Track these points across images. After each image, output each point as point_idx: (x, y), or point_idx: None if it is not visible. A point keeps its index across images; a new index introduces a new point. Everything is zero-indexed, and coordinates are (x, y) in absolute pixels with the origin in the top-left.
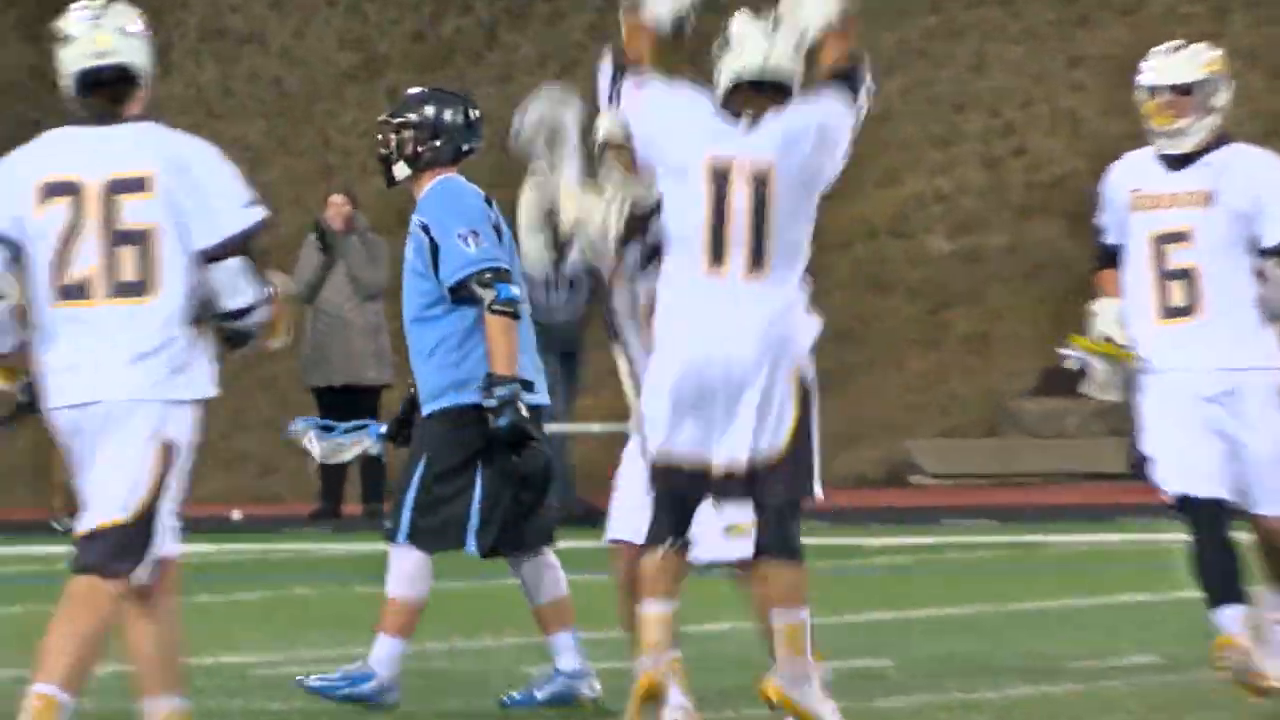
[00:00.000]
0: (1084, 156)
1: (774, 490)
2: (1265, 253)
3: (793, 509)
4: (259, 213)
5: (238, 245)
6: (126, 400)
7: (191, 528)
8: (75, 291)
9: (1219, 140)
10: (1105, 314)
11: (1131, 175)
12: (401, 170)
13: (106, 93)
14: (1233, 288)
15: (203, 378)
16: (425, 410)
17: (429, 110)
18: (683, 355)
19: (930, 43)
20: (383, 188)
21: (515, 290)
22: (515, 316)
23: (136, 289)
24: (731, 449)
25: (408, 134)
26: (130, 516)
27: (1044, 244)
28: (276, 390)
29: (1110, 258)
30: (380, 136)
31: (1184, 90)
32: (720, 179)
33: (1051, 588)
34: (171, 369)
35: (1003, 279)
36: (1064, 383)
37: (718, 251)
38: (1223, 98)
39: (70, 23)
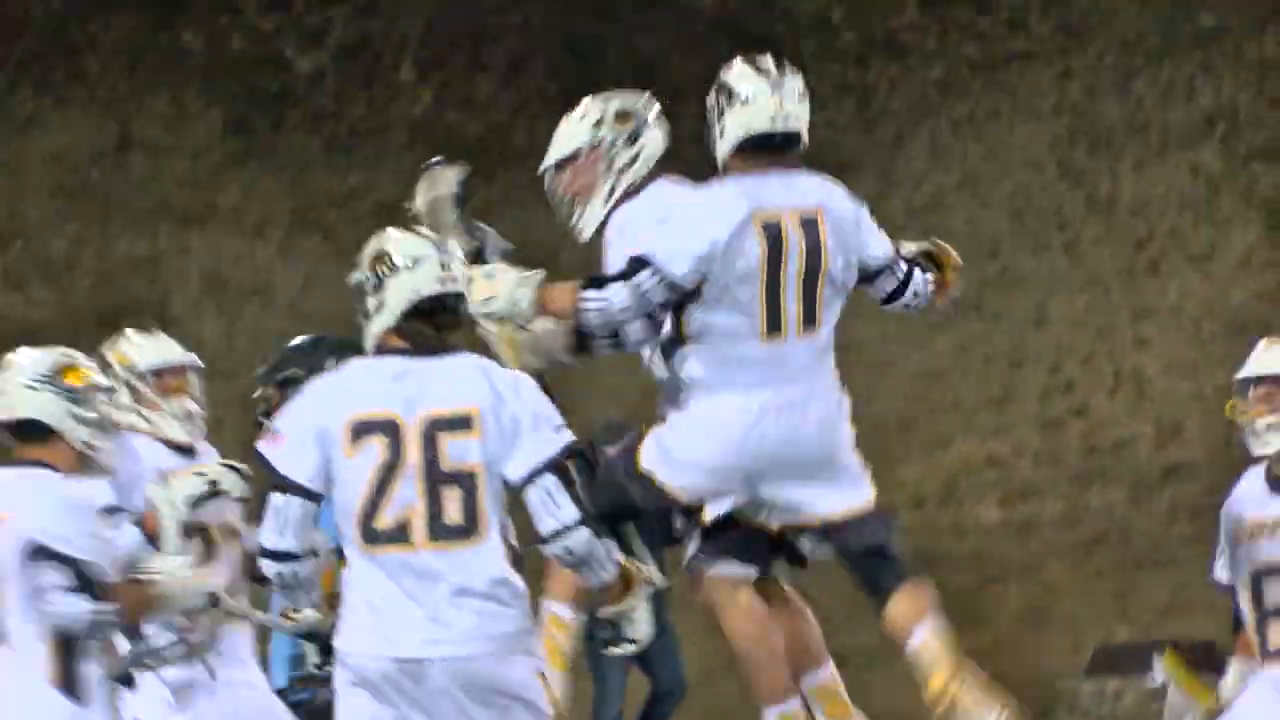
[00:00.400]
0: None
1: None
2: None
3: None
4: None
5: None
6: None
7: None
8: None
9: None
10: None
11: (1237, 502)
12: None
13: (434, 321)
14: None
15: None
16: None
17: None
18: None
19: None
20: None
21: None
22: None
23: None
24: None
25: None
26: None
27: (1102, 512)
28: None
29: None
30: (261, 394)
31: None
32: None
33: None
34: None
35: (1058, 552)
36: (1120, 661)
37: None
38: None
39: (416, 247)
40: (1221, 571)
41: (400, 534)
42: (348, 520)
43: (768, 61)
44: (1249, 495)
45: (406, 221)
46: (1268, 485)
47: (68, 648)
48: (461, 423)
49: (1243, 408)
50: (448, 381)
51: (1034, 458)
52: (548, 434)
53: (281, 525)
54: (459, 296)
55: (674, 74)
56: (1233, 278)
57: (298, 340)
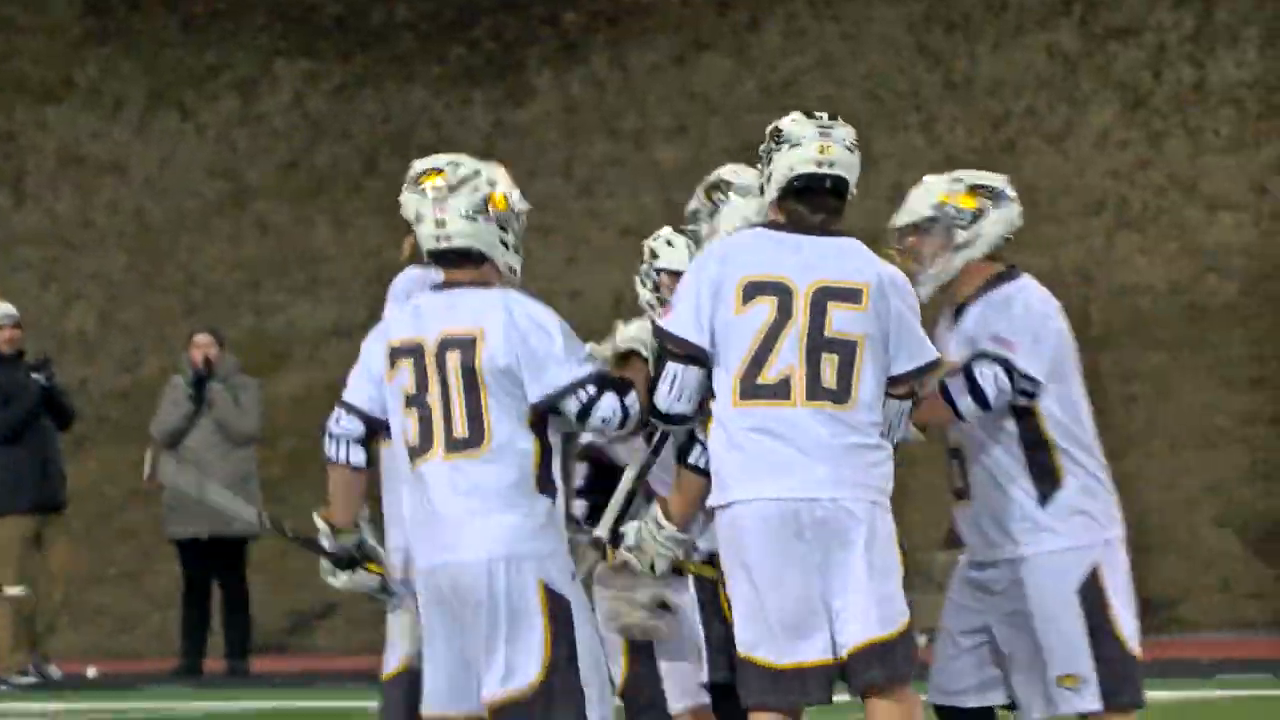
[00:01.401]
0: None
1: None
2: None
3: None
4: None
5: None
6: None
7: (44, 686)
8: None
9: None
10: None
11: None
12: None
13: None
14: None
15: None
16: None
17: None
18: None
19: None
20: (253, 325)
21: None
22: None
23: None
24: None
25: None
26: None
27: None
28: (137, 542)
29: None
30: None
31: None
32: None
33: None
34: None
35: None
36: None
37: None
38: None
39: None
40: None
41: (781, 390)
42: (728, 375)
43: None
44: None
45: (261, 100)
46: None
47: (547, 453)
48: (851, 295)
49: (898, 261)
50: (841, 258)
51: None
52: (920, 337)
53: (679, 391)
54: (836, 178)
55: None
56: (1089, 157)
57: None
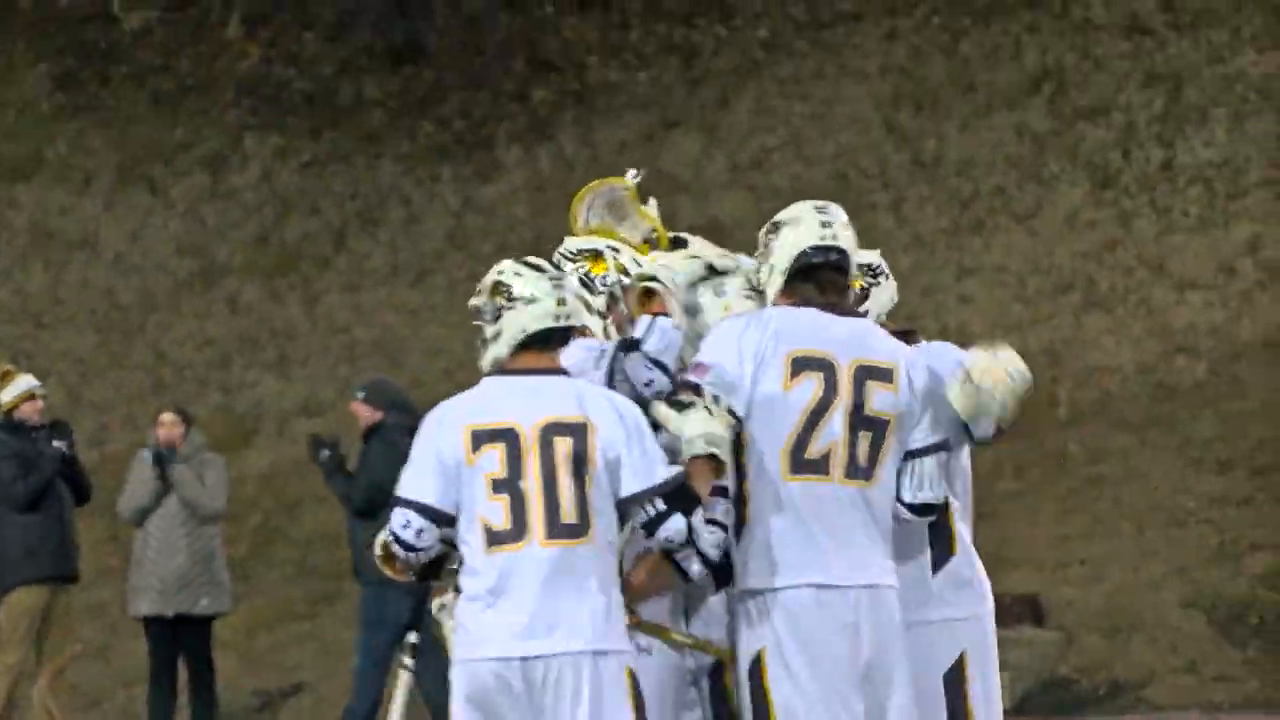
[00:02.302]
0: None
1: None
2: None
3: None
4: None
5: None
6: None
7: None
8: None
9: None
10: None
11: None
12: None
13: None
14: None
15: None
16: None
17: None
18: None
19: None
20: (221, 402)
21: None
22: None
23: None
24: None
25: None
26: None
27: None
28: (105, 618)
29: None
30: None
31: None
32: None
33: None
34: None
35: None
36: None
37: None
38: None
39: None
40: None
41: (822, 465)
42: (772, 449)
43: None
44: None
45: (230, 176)
46: None
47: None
48: (885, 374)
49: None
50: (872, 338)
51: None
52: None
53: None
54: (840, 253)
55: (501, 31)
56: (1058, 236)
57: None
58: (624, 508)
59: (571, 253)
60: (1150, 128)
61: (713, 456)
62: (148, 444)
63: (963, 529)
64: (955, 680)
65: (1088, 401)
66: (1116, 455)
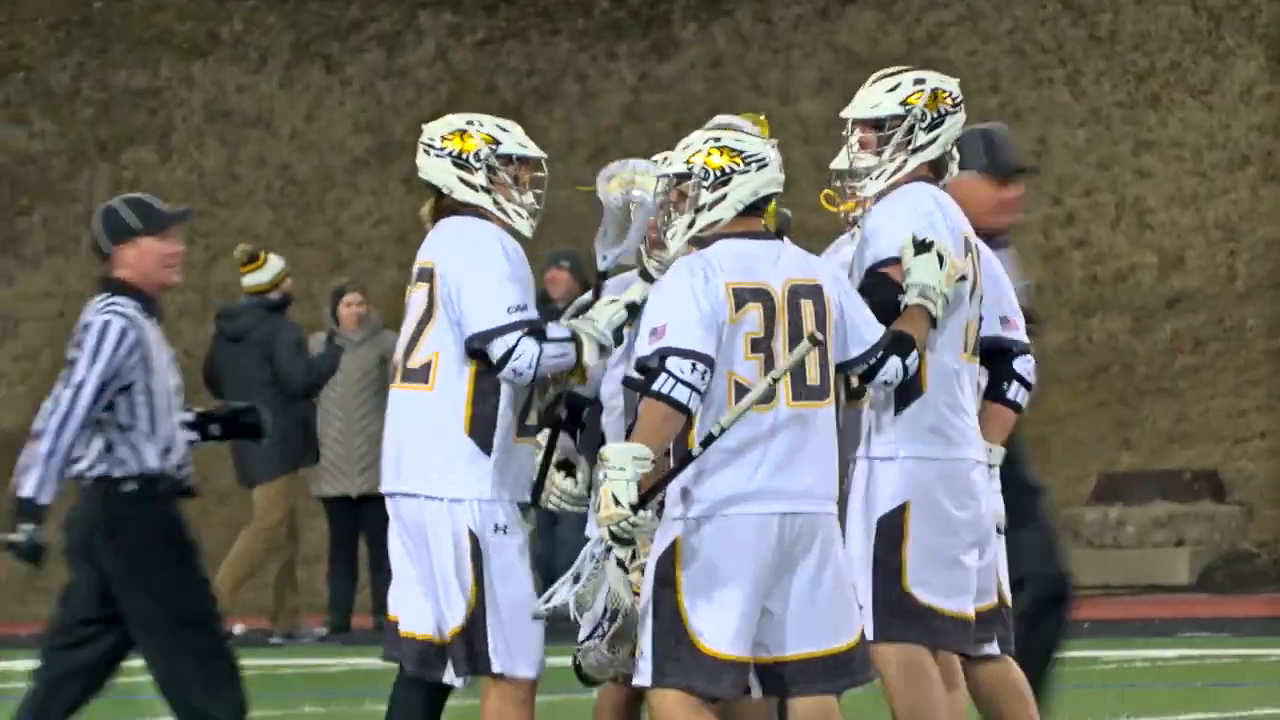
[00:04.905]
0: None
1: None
2: None
3: None
4: None
5: None
6: None
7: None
8: None
9: None
10: None
11: None
12: None
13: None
14: None
15: None
16: None
17: None
18: None
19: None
20: (396, 281)
21: None
22: None
23: None
24: None
25: None
26: None
27: (1105, 343)
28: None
29: None
30: None
31: None
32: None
33: (1111, 704)
34: None
35: (1062, 381)
36: (1123, 489)
37: None
38: None
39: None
40: None
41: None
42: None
43: None
44: None
45: (405, 53)
46: None
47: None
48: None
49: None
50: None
51: (1036, 288)
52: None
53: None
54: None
55: None
56: (1233, 110)
57: None
58: (844, 368)
59: (436, 138)
60: None
61: (922, 308)
62: (324, 324)
63: (962, 375)
64: (892, 526)
65: (1265, 274)
66: None
